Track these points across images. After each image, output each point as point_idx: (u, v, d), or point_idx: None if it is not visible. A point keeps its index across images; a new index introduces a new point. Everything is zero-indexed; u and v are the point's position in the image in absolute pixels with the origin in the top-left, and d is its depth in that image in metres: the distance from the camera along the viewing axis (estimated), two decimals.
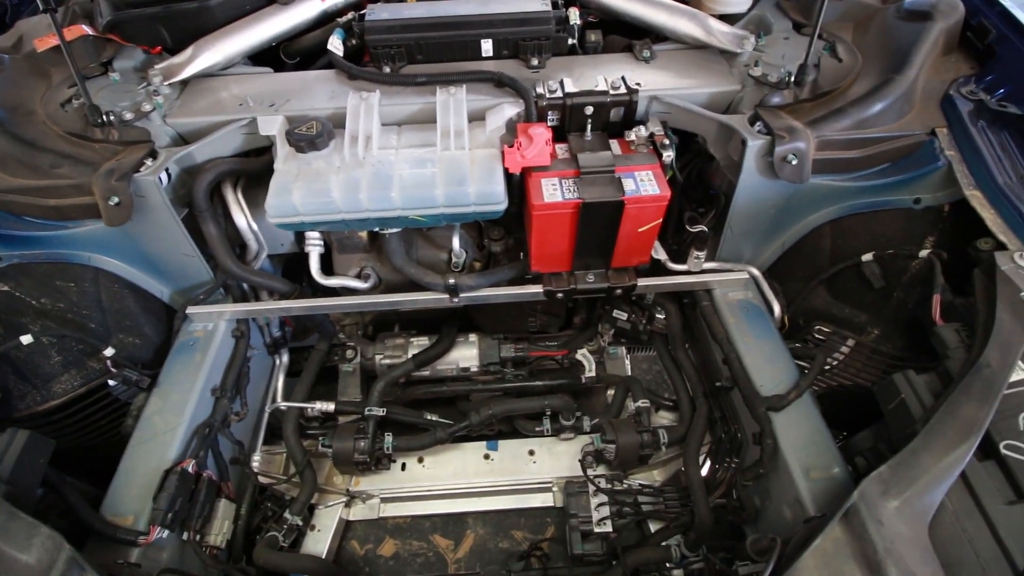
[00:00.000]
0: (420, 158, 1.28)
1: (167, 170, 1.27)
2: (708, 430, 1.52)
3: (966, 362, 1.01)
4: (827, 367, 1.40)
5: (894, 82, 1.23)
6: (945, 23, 1.32)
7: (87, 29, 1.48)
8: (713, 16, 1.46)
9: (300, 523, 1.49)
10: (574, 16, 1.42)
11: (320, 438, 1.57)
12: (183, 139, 1.39)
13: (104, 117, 1.30)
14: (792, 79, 1.30)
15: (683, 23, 1.43)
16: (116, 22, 1.46)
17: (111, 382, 1.38)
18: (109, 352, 1.30)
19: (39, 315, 1.35)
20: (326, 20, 1.53)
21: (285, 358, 1.78)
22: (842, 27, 1.45)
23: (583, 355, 1.81)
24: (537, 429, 1.68)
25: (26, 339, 1.20)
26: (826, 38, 1.41)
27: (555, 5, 1.41)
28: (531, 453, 1.69)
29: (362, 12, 1.45)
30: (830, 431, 1.20)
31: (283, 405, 1.64)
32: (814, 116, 1.26)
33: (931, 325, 1.14)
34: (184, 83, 1.45)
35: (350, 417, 1.68)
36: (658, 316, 1.69)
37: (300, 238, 1.51)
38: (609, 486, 1.53)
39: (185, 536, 1.21)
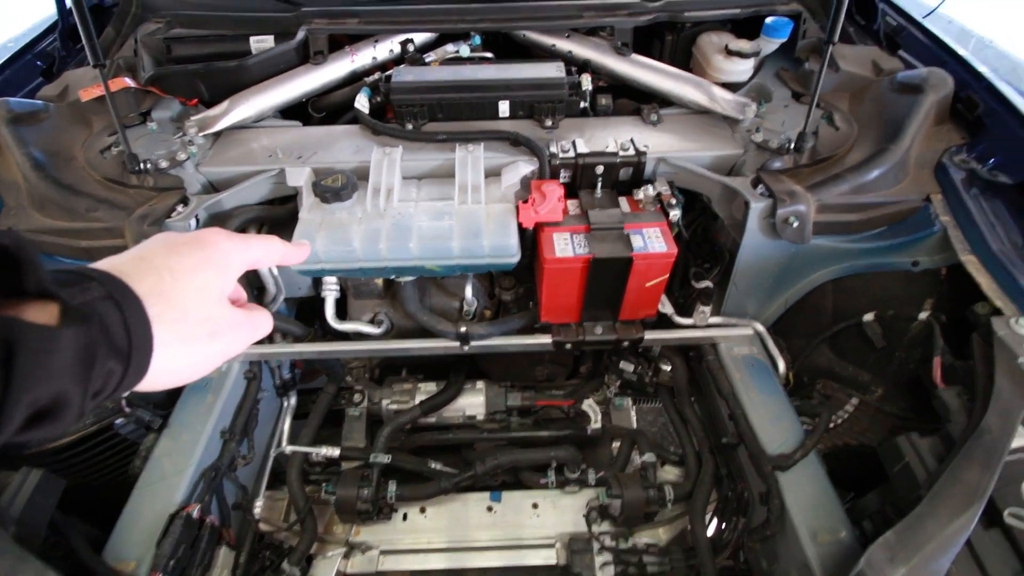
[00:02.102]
0: (438, 211, 1.34)
1: (197, 216, 1.33)
2: (715, 487, 1.51)
3: (967, 427, 1.03)
4: (832, 426, 1.41)
5: (889, 151, 1.30)
6: (936, 96, 1.40)
7: (129, 82, 1.59)
8: (716, 84, 1.56)
9: (298, 574, 1.46)
10: (586, 82, 1.52)
11: (324, 484, 1.56)
12: (213, 187, 1.46)
13: (141, 165, 1.38)
14: (792, 145, 1.37)
15: (688, 90, 1.53)
16: (158, 76, 1.57)
17: (119, 420, 1.40)
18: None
19: None
20: (354, 79, 1.64)
21: (293, 400, 1.80)
22: (838, 97, 1.54)
23: (589, 405, 1.82)
24: (542, 481, 1.66)
25: None
26: (824, 107, 1.49)
27: (568, 72, 1.50)
28: (535, 506, 1.67)
29: (388, 73, 1.55)
30: (837, 492, 1.20)
31: (288, 449, 1.64)
32: (813, 181, 1.32)
33: (933, 388, 1.16)
34: (217, 134, 1.53)
35: (354, 463, 1.68)
36: (664, 368, 1.70)
37: (317, 283, 1.56)
38: (614, 544, 1.50)
39: None
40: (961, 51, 1.50)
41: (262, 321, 0.57)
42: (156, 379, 0.45)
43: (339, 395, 1.83)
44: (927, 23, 1.63)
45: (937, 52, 1.54)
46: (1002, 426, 0.99)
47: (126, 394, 0.45)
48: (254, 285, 1.55)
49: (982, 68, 1.43)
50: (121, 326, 0.40)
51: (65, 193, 1.35)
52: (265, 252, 0.58)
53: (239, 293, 0.57)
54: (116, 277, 0.42)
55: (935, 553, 0.82)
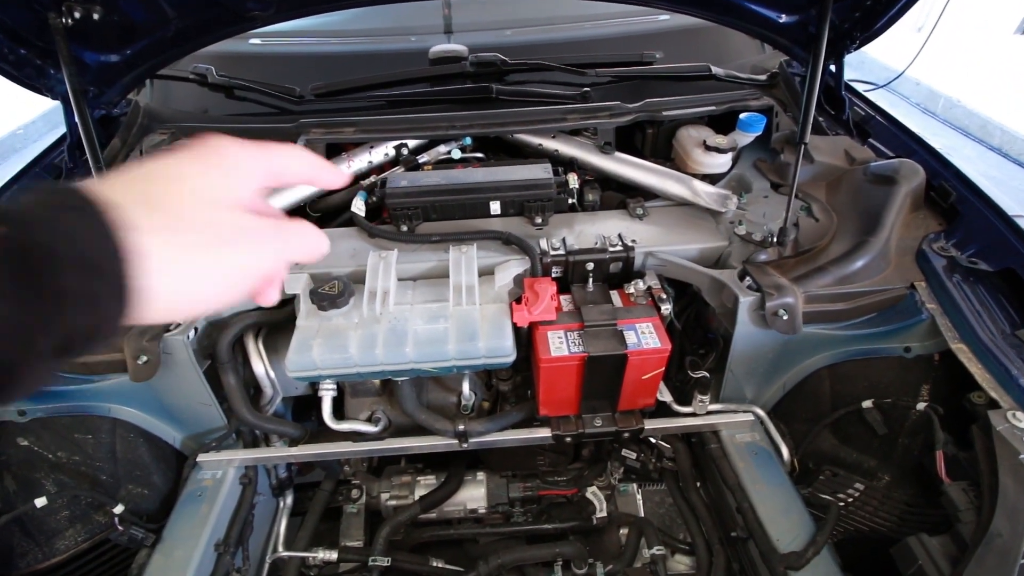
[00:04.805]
0: (433, 314, 1.36)
1: (196, 327, 1.35)
2: None
3: (977, 528, 1.01)
4: (841, 512, 1.37)
5: (869, 243, 1.34)
6: (909, 186, 1.46)
7: None
8: (697, 176, 1.62)
9: None
10: (573, 181, 1.58)
11: None
12: None
13: None
14: (775, 239, 1.41)
15: (671, 185, 1.59)
16: None
17: (112, 535, 1.36)
18: (119, 509, 1.30)
19: (53, 468, 1.36)
20: (351, 181, 1.70)
21: (289, 499, 1.76)
22: (815, 187, 1.60)
23: (593, 493, 1.78)
24: None
25: (40, 502, 1.21)
26: (802, 198, 1.55)
27: (556, 172, 1.57)
28: None
29: (383, 176, 1.62)
30: None
31: (285, 555, 1.59)
32: (798, 273, 1.35)
33: (939, 482, 1.14)
34: None
35: (352, 565, 1.62)
36: (666, 455, 1.68)
37: (314, 383, 1.56)
38: None
39: None
40: (930, 141, 1.58)
41: (299, 231, 0.49)
42: (161, 302, 0.39)
43: (336, 490, 1.80)
44: (896, 115, 1.72)
45: (906, 141, 1.62)
46: (1012, 529, 0.97)
47: (137, 323, 0.39)
48: (251, 385, 1.55)
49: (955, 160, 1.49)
50: (81, 232, 0.34)
51: None
52: (288, 163, 0.51)
53: (268, 209, 0.50)
54: (81, 187, 0.37)
55: None
